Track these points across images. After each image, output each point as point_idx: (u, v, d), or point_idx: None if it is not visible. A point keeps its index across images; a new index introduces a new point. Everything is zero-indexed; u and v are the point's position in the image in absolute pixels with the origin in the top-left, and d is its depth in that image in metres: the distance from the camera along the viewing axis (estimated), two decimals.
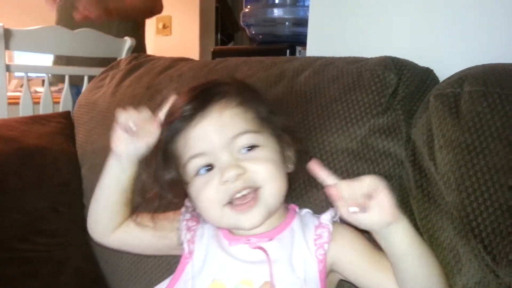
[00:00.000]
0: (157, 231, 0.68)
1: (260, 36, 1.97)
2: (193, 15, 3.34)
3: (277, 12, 1.78)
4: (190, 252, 0.63)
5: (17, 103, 1.66)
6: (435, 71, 0.78)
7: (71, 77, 1.75)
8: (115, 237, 0.69)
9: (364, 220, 0.50)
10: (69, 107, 1.72)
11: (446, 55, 0.82)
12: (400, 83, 0.74)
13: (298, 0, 1.75)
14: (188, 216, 0.67)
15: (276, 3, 1.80)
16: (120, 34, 1.86)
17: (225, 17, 3.70)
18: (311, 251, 0.58)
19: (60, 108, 1.71)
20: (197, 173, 0.59)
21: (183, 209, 0.67)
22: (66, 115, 1.24)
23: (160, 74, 1.08)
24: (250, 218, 0.57)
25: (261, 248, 0.59)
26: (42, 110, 1.67)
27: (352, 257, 0.59)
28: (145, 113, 0.62)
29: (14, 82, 2.71)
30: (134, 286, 0.88)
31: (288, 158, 0.64)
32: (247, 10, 2.04)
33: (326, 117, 0.76)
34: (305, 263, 0.57)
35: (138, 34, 2.05)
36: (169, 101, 0.63)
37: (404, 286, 0.53)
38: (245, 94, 0.62)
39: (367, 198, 0.49)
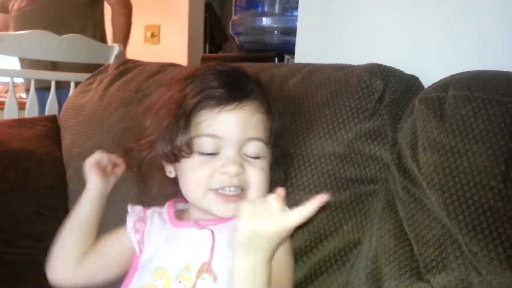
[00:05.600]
0: (114, 242, 0.72)
1: (249, 44, 1.98)
2: (181, 25, 3.34)
3: (266, 21, 1.79)
4: (141, 251, 0.67)
5: (1, 109, 1.64)
6: (420, 79, 0.80)
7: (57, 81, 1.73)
8: (83, 270, 0.72)
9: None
10: (54, 111, 1.70)
11: (431, 64, 0.84)
12: (386, 89, 0.75)
13: (286, 9, 1.77)
14: (134, 219, 0.70)
15: (265, 12, 1.81)
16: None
17: (214, 27, 3.72)
18: None
19: (46, 113, 1.69)
20: (200, 151, 0.61)
21: (127, 217, 0.72)
22: (52, 119, 1.22)
23: (149, 79, 1.08)
24: (226, 209, 0.61)
25: (208, 229, 0.62)
26: (28, 115, 1.65)
27: None
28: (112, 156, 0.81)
29: None
30: None
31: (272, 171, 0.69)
32: (236, 18, 2.05)
33: (314, 121, 0.78)
34: None
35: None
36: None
37: None
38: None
39: None
